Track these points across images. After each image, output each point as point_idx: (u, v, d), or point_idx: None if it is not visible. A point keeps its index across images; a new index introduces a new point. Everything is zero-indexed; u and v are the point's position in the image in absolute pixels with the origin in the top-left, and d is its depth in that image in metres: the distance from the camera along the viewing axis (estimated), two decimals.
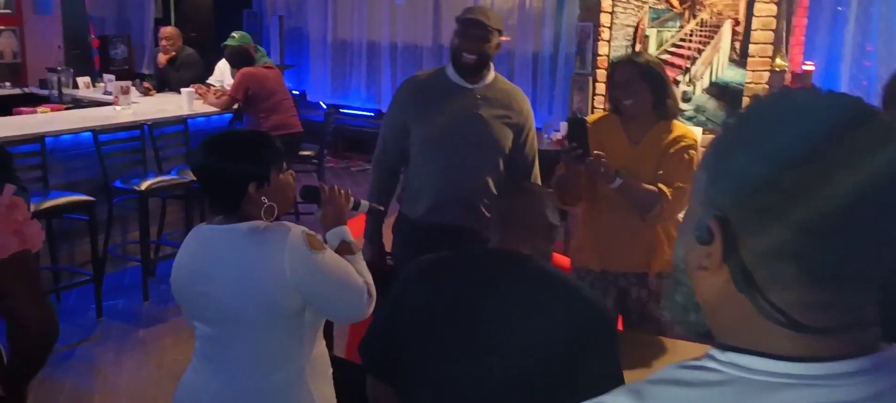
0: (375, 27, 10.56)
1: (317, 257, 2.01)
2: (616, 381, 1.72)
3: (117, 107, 5.97)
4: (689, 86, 4.52)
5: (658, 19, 4.43)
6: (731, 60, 4.56)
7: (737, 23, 4.53)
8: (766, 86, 4.68)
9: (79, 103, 6.58)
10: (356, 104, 10.71)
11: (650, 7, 4.40)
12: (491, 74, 3.10)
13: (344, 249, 2.29)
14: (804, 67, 5.87)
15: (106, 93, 6.70)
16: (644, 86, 2.99)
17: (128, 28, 10.88)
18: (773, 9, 4.56)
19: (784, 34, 4.66)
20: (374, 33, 10.60)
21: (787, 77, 5.29)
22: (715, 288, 0.80)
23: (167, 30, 7.11)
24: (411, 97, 3.13)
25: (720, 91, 4.58)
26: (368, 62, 10.70)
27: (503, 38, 3.10)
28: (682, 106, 4.53)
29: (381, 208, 2.85)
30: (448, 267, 1.91)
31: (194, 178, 5.55)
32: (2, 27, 7.32)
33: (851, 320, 0.76)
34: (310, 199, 2.42)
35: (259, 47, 6.75)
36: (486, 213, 3.12)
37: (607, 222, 3.17)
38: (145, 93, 6.75)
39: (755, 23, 4.54)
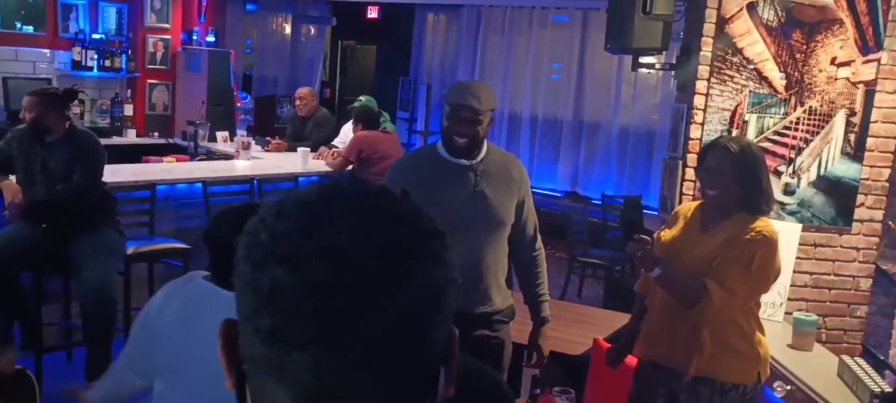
0: (518, 99, 10.60)
1: None
2: None
3: (236, 162, 6.27)
4: (792, 178, 4.13)
5: (759, 104, 4.10)
6: (845, 153, 4.13)
7: (852, 113, 4.11)
8: (887, 184, 4.20)
9: (211, 155, 6.97)
10: None
11: (751, 90, 4.09)
12: (484, 149, 2.99)
13: None
14: None
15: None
16: (733, 179, 2.74)
17: (295, 85, 11.62)
18: None
19: None
20: (516, 105, 10.64)
21: None
22: None
23: (302, 90, 7.43)
24: (404, 176, 3.03)
25: (830, 186, 4.15)
26: (508, 133, 10.72)
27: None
28: (785, 199, 4.14)
29: None
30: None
31: None
32: (157, 82, 7.94)
33: None
34: None
35: (383, 112, 6.92)
36: (491, 293, 3.00)
37: (654, 310, 2.97)
38: (277, 149, 7.05)
39: (875, 114, 4.10)
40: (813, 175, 4.14)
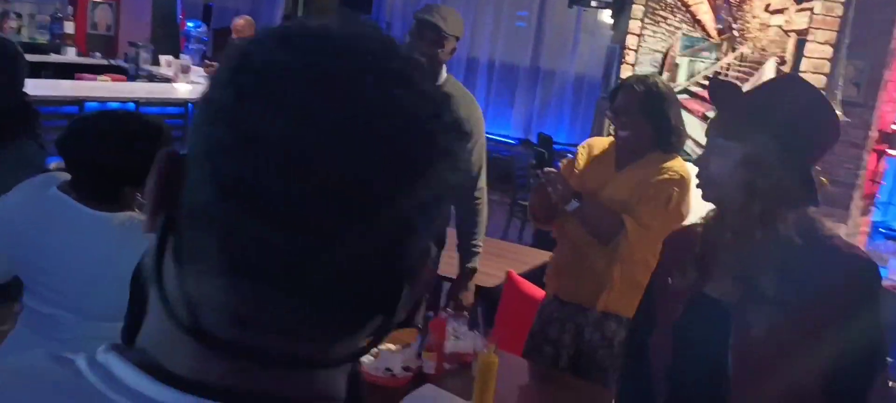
0: (477, 43, 10.50)
1: None
2: None
3: (175, 85, 6.14)
4: None
5: (691, 48, 4.07)
6: None
7: (782, 61, 4.10)
8: None
9: (152, 78, 6.81)
10: None
11: (683, 34, 4.06)
12: (443, 76, 2.93)
13: None
14: (893, 127, 5.29)
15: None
16: (642, 118, 2.72)
17: (257, 20, 11.41)
18: (828, 51, 4.10)
19: (840, 81, 4.18)
20: (475, 49, 10.54)
21: (874, 137, 4.78)
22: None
23: (238, 21, 7.23)
24: None
25: None
26: (465, 79, 10.64)
27: None
28: None
29: None
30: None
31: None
32: (100, 0, 7.72)
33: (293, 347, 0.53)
34: None
35: None
36: None
37: (565, 244, 2.96)
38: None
39: (804, 64, 4.10)
40: None
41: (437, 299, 3.54)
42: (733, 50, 4.09)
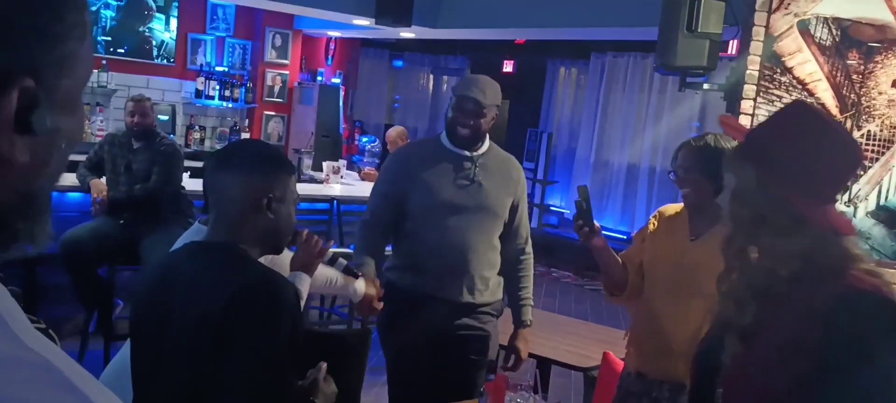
0: (636, 150, 10.43)
1: None
2: (264, 367, 1.61)
3: (326, 185, 6.56)
4: (848, 206, 3.85)
5: None
6: None
7: None
8: None
9: (312, 181, 7.31)
10: (610, 225, 10.54)
11: None
12: (486, 143, 3.04)
13: None
14: None
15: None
16: (700, 174, 2.68)
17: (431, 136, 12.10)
18: None
19: None
20: (635, 156, 10.47)
21: None
22: None
23: (390, 133, 7.63)
24: (405, 165, 3.09)
25: (892, 217, 3.83)
26: (626, 185, 10.55)
27: None
28: None
29: (357, 274, 2.72)
30: (162, 263, 1.87)
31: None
32: (273, 113, 8.46)
33: None
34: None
35: None
36: (477, 284, 3.00)
37: (641, 318, 2.88)
38: (366, 178, 7.32)
39: None
40: (871, 204, 3.85)
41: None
42: (858, 128, 3.85)
